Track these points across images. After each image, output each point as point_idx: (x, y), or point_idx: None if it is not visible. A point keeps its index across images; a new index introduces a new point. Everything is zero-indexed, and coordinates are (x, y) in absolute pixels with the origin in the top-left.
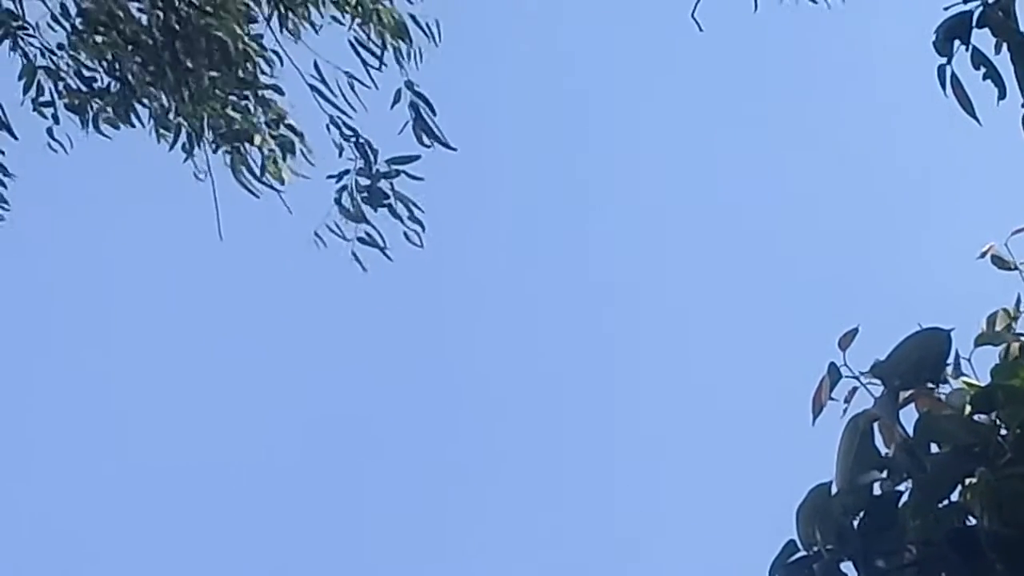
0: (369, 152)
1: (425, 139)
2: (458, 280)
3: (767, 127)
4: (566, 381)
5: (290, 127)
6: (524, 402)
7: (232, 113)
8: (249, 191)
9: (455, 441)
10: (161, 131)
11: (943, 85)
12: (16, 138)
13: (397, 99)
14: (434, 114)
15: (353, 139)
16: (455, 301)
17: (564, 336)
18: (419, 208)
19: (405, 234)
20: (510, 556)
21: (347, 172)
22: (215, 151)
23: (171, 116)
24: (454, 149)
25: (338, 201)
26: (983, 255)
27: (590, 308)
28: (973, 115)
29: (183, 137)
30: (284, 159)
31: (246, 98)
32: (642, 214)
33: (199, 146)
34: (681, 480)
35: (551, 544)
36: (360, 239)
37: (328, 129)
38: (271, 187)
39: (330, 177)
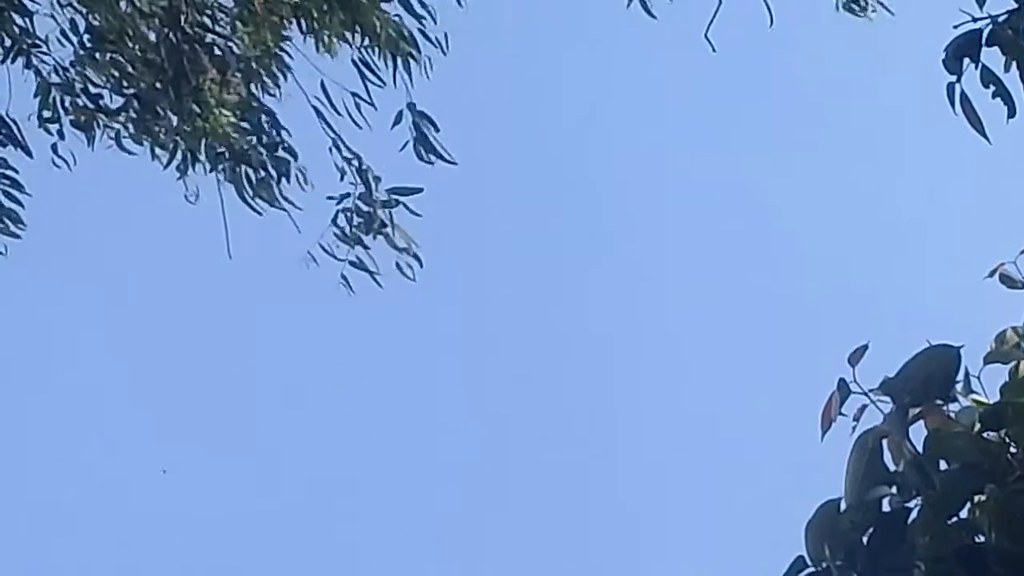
0: (371, 179)
1: (426, 155)
2: (453, 292)
3: (778, 143)
4: (567, 403)
5: (288, 150)
6: (523, 425)
7: (231, 135)
8: (252, 209)
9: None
10: (158, 149)
11: (952, 103)
12: (32, 156)
13: (399, 120)
14: (436, 131)
15: (355, 164)
16: (452, 312)
17: (566, 357)
18: (415, 243)
19: (397, 264)
20: None
21: (348, 195)
22: (209, 171)
23: (169, 135)
24: (455, 163)
25: (335, 222)
26: (992, 273)
27: (596, 330)
28: (983, 133)
29: (179, 156)
30: (279, 183)
31: (245, 120)
32: (650, 233)
33: (193, 168)
34: (690, 497)
35: (561, 561)
36: (352, 263)
37: (331, 152)
38: (272, 205)
39: (330, 198)
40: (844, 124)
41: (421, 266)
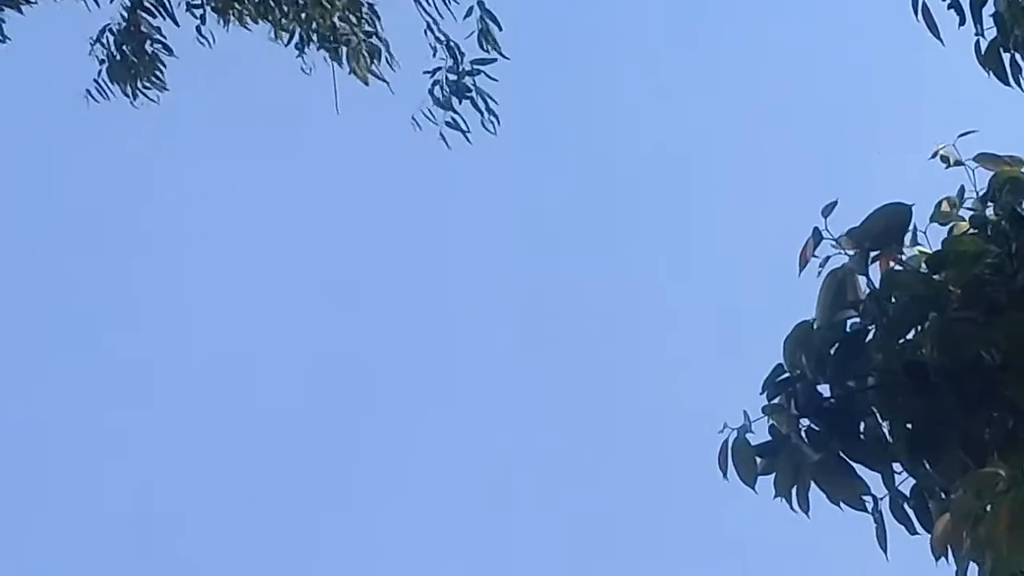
0: (457, 54)
1: (486, 45)
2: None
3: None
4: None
5: (380, 38)
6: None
7: (337, 22)
8: (361, 80)
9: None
10: (279, 32)
11: (915, 11)
12: (178, 25)
13: (469, 13)
14: (499, 28)
15: (444, 42)
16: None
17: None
18: (495, 101)
19: (483, 123)
20: None
21: (439, 69)
22: (318, 50)
23: (288, 20)
24: (507, 58)
25: (431, 92)
26: (935, 155)
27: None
28: (938, 37)
29: (296, 38)
30: (371, 62)
31: (347, 9)
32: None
33: (308, 47)
34: (699, 317)
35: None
36: (447, 123)
37: (425, 33)
38: (380, 79)
39: (426, 73)
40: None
41: (499, 122)
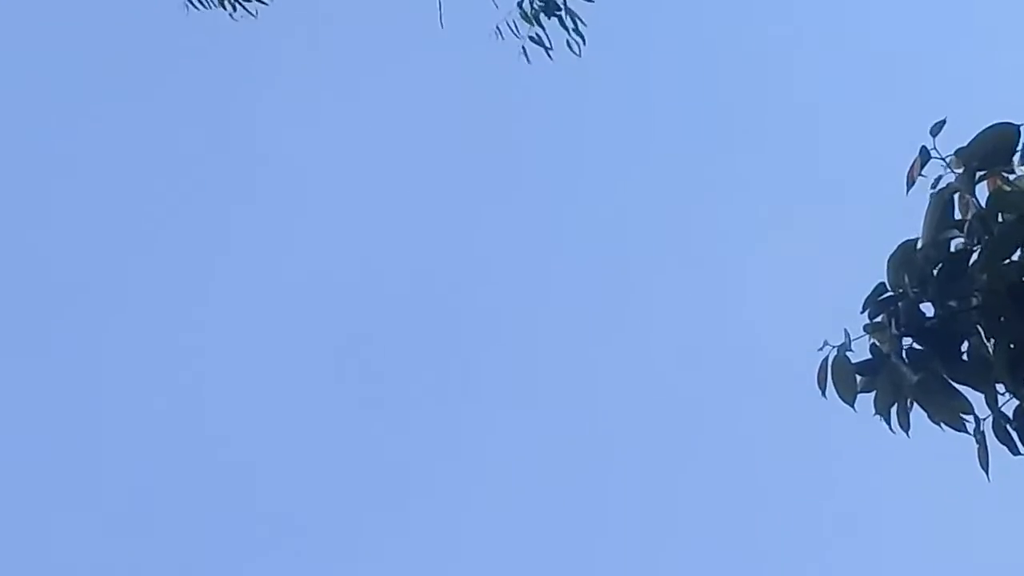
0: None
1: None
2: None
3: None
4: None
5: None
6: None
7: None
8: None
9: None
10: None
11: None
12: None
13: None
14: None
15: None
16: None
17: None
18: (583, 23)
19: (568, 42)
20: None
21: None
22: None
23: None
24: None
25: (519, 5)
26: None
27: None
28: None
29: None
30: None
31: None
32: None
33: None
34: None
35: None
36: (531, 38)
37: None
38: None
39: None
40: None
41: (584, 43)
